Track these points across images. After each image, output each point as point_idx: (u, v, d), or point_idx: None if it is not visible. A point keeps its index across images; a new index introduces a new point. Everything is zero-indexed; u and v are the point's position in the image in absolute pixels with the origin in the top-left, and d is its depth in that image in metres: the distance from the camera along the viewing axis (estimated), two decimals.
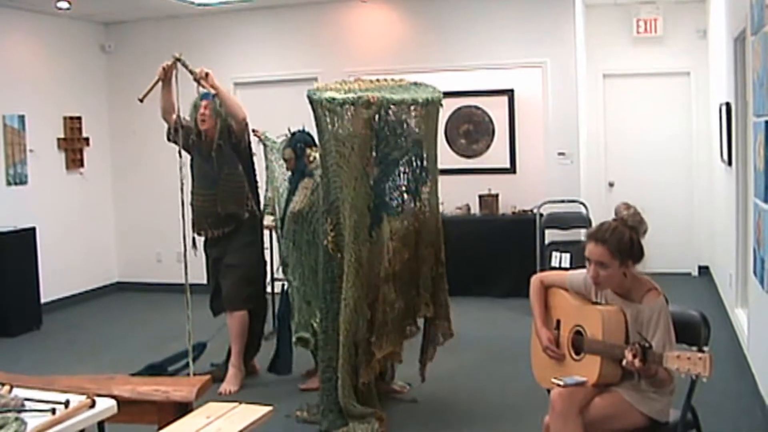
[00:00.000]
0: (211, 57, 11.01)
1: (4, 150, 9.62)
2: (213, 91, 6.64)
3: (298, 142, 6.64)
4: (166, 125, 6.88)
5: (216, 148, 6.74)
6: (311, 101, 5.63)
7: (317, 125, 5.67)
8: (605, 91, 11.32)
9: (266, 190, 7.11)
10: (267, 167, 7.16)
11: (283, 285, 6.99)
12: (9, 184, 9.69)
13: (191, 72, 6.57)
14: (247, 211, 6.89)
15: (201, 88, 6.73)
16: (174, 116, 6.74)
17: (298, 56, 10.84)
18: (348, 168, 5.59)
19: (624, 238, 3.97)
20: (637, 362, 3.70)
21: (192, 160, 6.95)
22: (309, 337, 6.45)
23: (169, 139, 6.90)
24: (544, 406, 4.05)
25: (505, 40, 10.14)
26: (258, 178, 7.10)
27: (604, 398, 3.96)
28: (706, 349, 3.76)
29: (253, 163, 7.03)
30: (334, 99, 5.55)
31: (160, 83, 6.58)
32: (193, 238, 6.85)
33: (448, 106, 10.72)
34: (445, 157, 10.73)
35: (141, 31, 11.32)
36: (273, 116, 10.52)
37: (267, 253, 7.33)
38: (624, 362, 3.77)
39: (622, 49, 11.13)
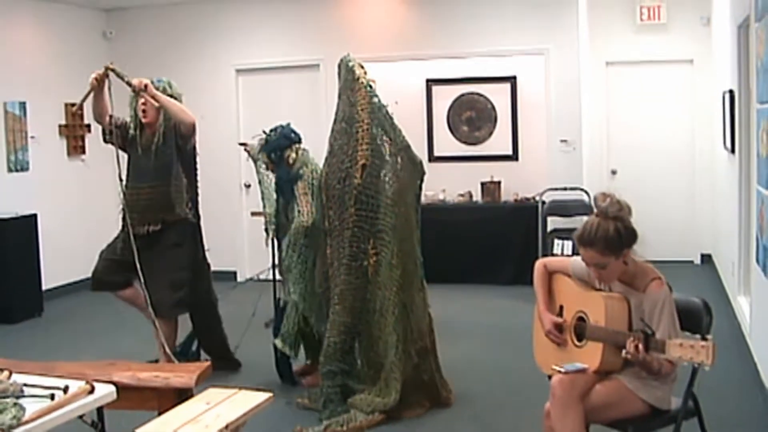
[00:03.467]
0: (213, 43, 11.04)
1: (5, 136, 9.61)
2: (156, 104, 6.37)
3: (273, 150, 6.35)
4: (101, 128, 6.69)
5: (158, 142, 6.53)
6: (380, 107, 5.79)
7: (375, 131, 5.78)
8: (608, 79, 11.29)
9: (264, 207, 6.73)
10: (260, 182, 6.76)
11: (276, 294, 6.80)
12: (10, 170, 9.68)
13: (128, 83, 6.34)
14: (184, 213, 6.64)
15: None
16: (107, 118, 6.53)
17: (300, 42, 10.81)
18: (400, 215, 5.80)
19: (609, 233, 3.90)
20: (634, 350, 3.69)
21: (129, 156, 6.71)
22: (286, 350, 6.33)
23: (105, 141, 6.72)
24: (546, 392, 4.03)
25: (508, 27, 10.12)
26: (199, 181, 6.91)
27: (605, 385, 3.95)
28: (709, 337, 3.74)
29: (196, 165, 6.82)
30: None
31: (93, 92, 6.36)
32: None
33: (451, 93, 10.77)
34: (448, 144, 10.77)
35: (142, 17, 11.30)
36: (275, 103, 10.57)
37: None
38: (624, 353, 3.75)
39: (625, 36, 11.09)
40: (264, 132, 6.47)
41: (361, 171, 5.68)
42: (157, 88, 6.51)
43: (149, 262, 6.44)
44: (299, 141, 6.46)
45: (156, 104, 6.40)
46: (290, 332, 6.31)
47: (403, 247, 5.78)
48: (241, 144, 7.07)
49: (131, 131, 6.65)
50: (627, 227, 3.96)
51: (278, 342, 6.34)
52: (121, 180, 6.36)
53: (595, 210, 4.04)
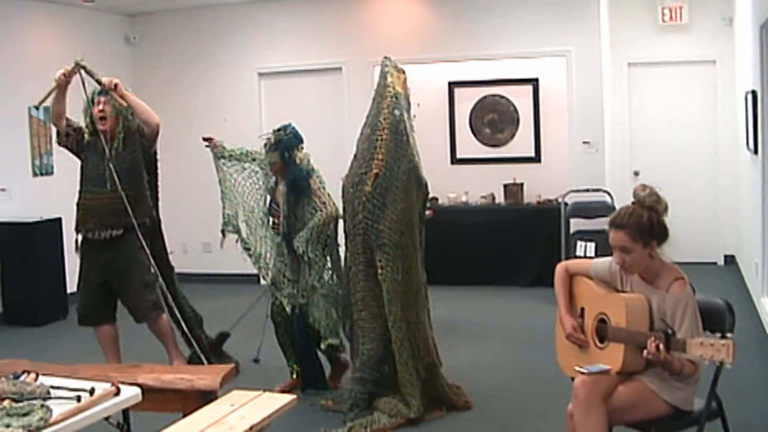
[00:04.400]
0: (235, 47, 11.08)
1: (30, 141, 9.69)
2: (123, 103, 6.33)
3: (286, 150, 6.24)
4: (57, 129, 6.61)
5: (117, 147, 6.38)
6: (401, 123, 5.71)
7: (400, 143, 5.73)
8: (630, 80, 11.25)
9: (223, 207, 6.66)
10: (220, 181, 6.70)
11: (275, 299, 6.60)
12: (35, 174, 9.76)
13: (98, 81, 6.30)
14: (151, 216, 6.59)
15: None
16: (64, 121, 6.49)
17: (322, 46, 10.84)
18: (405, 234, 5.74)
19: (643, 219, 3.96)
20: (654, 350, 3.70)
21: (83, 161, 6.55)
22: (339, 344, 6.27)
23: (60, 144, 6.65)
24: (569, 394, 4.04)
25: (530, 28, 10.10)
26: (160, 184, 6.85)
27: (627, 386, 3.95)
28: (729, 335, 3.73)
29: (157, 168, 6.76)
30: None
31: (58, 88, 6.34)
32: (76, 241, 6.60)
33: (473, 96, 10.78)
34: (470, 146, 10.78)
35: (165, 22, 11.36)
36: (297, 106, 10.60)
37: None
38: (645, 353, 3.76)
39: (647, 37, 11.05)
40: (273, 131, 6.38)
41: (373, 179, 5.66)
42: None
43: (118, 271, 6.44)
44: (302, 141, 6.41)
45: (124, 104, 6.34)
46: (334, 329, 6.24)
47: (406, 265, 5.73)
48: (206, 139, 6.80)
49: (87, 137, 6.53)
50: (660, 221, 4.00)
51: (331, 341, 6.24)
52: (120, 184, 6.24)
53: (633, 199, 4.09)
